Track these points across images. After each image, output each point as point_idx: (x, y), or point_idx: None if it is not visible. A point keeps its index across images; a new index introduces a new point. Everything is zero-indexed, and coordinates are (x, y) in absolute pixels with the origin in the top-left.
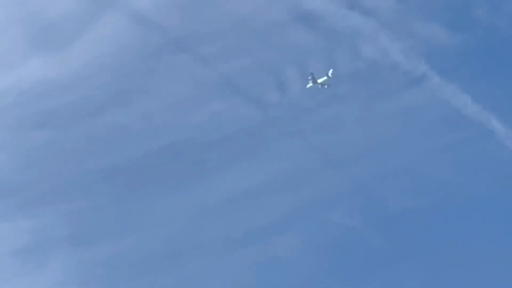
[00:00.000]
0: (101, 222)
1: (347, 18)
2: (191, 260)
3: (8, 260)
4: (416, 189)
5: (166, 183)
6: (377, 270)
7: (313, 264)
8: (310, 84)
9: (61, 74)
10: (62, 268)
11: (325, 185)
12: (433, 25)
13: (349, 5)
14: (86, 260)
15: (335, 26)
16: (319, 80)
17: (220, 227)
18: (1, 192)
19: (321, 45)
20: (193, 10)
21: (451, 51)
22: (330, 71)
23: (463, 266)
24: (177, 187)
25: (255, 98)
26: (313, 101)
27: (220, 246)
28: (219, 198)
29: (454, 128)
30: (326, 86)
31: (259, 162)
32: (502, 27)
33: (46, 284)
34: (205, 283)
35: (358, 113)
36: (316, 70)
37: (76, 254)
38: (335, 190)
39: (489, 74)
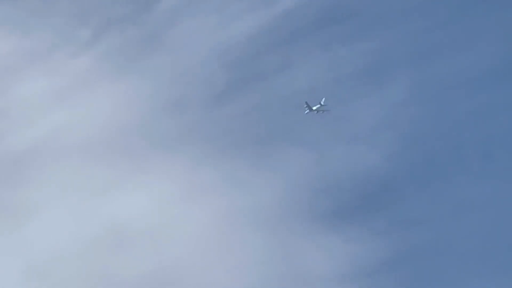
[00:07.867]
0: (434, 42)
1: None
2: None
3: (347, 82)
4: None
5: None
6: None
7: None
8: (307, 111)
9: None
10: (402, 87)
11: None
12: None
13: None
14: (426, 79)
15: None
16: (314, 108)
17: None
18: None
19: None
20: None
21: None
22: (323, 100)
23: None
24: None
25: None
26: None
27: None
28: None
29: None
30: (322, 112)
31: None
32: None
33: (387, 103)
34: None
35: None
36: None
37: (416, 73)
38: None
39: None
